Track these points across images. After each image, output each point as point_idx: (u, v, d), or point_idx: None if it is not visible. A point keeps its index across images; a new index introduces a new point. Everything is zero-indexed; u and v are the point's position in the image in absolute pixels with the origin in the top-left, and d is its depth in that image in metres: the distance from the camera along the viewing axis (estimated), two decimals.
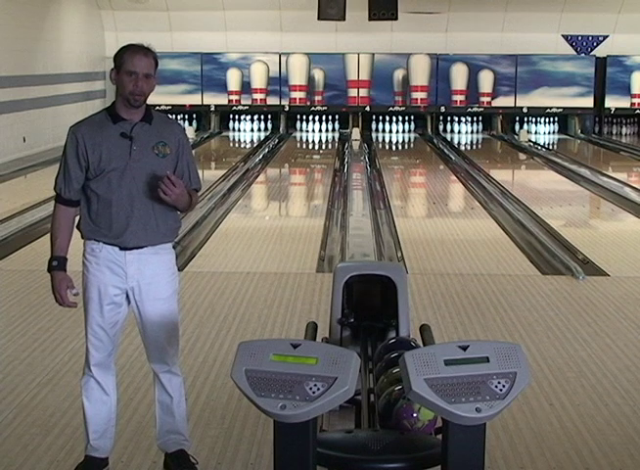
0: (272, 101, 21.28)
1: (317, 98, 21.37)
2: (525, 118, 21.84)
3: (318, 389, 2.76)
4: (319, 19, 16.99)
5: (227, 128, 21.40)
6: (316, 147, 19.94)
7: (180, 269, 6.18)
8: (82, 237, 3.73)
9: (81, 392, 3.81)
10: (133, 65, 3.58)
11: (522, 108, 21.44)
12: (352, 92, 21.33)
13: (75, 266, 3.95)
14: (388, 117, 21.62)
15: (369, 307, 4.54)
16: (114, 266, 3.67)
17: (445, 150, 18.40)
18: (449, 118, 21.76)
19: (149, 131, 3.66)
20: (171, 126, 3.78)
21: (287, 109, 21.37)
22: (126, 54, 3.60)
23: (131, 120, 3.65)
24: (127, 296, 3.73)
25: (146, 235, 3.67)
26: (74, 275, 3.80)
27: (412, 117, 21.70)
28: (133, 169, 3.63)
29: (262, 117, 21.61)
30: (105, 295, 3.69)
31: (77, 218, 3.77)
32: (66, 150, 3.69)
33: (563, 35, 21.34)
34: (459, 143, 20.16)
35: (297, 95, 21.35)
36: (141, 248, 3.67)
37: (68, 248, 3.73)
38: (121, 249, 3.66)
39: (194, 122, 21.35)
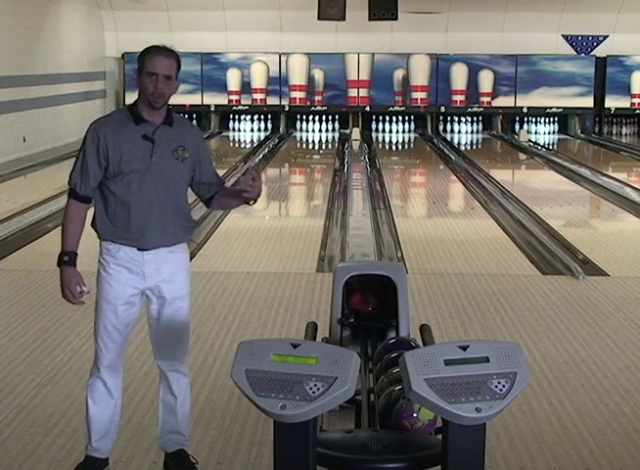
0: (272, 101, 21.28)
1: (317, 98, 21.37)
2: (525, 118, 21.84)
3: (318, 389, 2.76)
4: (319, 19, 17.00)
5: (227, 128, 21.41)
6: (316, 147, 19.94)
7: None
8: (98, 237, 3.72)
9: (86, 392, 3.79)
10: (153, 66, 3.57)
11: (522, 108, 21.44)
12: (352, 92, 21.33)
13: (86, 267, 3.95)
14: (388, 117, 21.62)
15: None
16: (133, 266, 3.67)
17: (445, 150, 18.40)
18: (449, 118, 21.76)
19: (169, 134, 3.66)
20: (190, 130, 3.80)
21: (287, 109, 21.37)
22: (148, 55, 3.60)
23: (153, 123, 3.64)
24: (142, 295, 3.73)
25: (164, 237, 3.67)
26: (84, 275, 3.79)
27: (412, 117, 21.70)
28: (153, 173, 3.62)
29: (262, 117, 21.61)
30: (122, 295, 3.68)
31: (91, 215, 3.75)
32: (85, 146, 3.65)
33: (563, 35, 21.34)
34: (459, 143, 20.16)
35: (297, 95, 21.36)
36: (157, 248, 3.68)
37: (78, 243, 3.72)
38: (139, 249, 3.66)
39: (194, 122, 21.34)
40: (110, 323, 3.71)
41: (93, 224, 3.73)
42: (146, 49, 3.64)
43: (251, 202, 3.75)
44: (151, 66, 3.57)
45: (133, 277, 3.67)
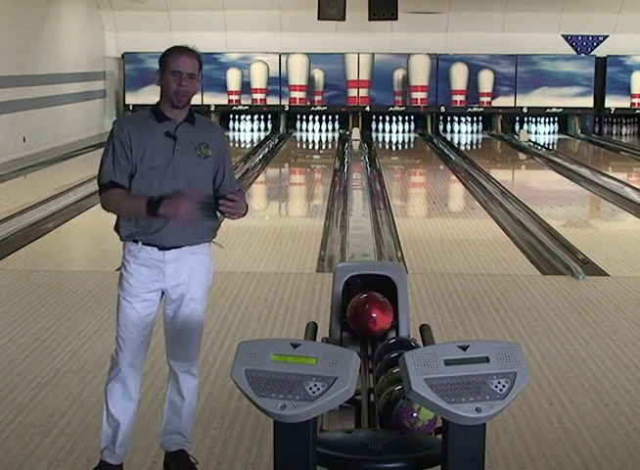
0: (272, 101, 21.29)
1: (317, 98, 21.38)
2: (525, 118, 21.85)
3: (318, 389, 2.76)
4: (319, 19, 17.00)
5: (227, 128, 21.39)
6: (316, 147, 19.94)
7: None
8: (121, 239, 3.74)
9: (105, 397, 3.77)
10: (177, 65, 3.60)
11: (522, 108, 21.44)
12: (352, 92, 21.34)
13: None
14: (388, 117, 21.62)
15: None
16: (153, 266, 3.68)
17: (445, 150, 18.40)
18: (449, 118, 21.77)
19: (192, 132, 3.68)
20: (213, 129, 3.82)
21: (287, 109, 21.38)
22: (171, 55, 3.63)
23: (175, 120, 3.67)
24: (162, 295, 3.74)
25: (184, 235, 3.68)
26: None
27: (412, 117, 21.71)
28: (175, 169, 3.64)
29: (262, 117, 21.62)
30: (142, 292, 3.69)
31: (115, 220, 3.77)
32: (113, 141, 3.65)
33: (563, 35, 21.34)
34: (459, 143, 20.17)
35: (297, 95, 21.36)
36: (179, 247, 3.68)
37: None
38: (160, 249, 3.67)
39: None
40: (130, 321, 3.70)
41: (116, 228, 3.75)
42: (168, 49, 3.67)
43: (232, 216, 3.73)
44: (174, 64, 3.60)
45: (153, 276, 3.68)
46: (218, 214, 3.86)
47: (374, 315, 4.26)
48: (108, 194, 3.66)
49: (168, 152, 3.64)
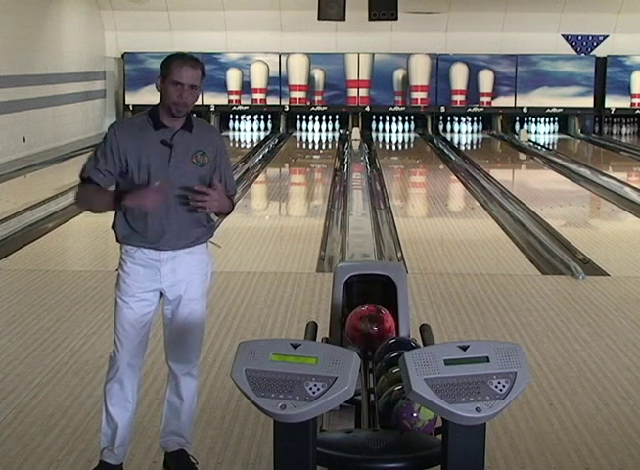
0: (272, 101, 21.30)
1: (317, 98, 21.38)
2: (525, 118, 21.86)
3: (318, 389, 2.76)
4: (319, 19, 17.00)
5: (227, 128, 21.41)
6: (316, 147, 19.95)
7: None
8: (117, 240, 3.74)
9: (104, 397, 3.77)
10: (180, 76, 3.57)
11: (522, 108, 21.45)
12: (352, 92, 21.34)
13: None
14: (388, 117, 21.63)
15: None
16: (150, 266, 3.67)
17: (445, 150, 18.41)
18: (449, 118, 21.78)
19: (189, 140, 3.66)
20: (210, 134, 3.78)
21: (287, 109, 21.39)
22: (173, 64, 3.59)
23: (172, 128, 3.65)
24: (160, 295, 3.74)
25: (179, 241, 3.68)
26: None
27: (412, 117, 21.72)
28: (171, 177, 3.62)
29: (262, 116, 21.63)
30: (138, 292, 3.68)
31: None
32: (104, 144, 3.64)
33: (563, 35, 21.34)
34: (459, 143, 20.17)
35: (297, 95, 21.37)
36: (175, 249, 3.69)
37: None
38: (156, 249, 3.67)
39: None
40: (126, 321, 3.70)
41: (113, 227, 3.75)
42: (172, 57, 3.64)
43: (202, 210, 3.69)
44: (177, 75, 3.57)
45: (150, 276, 3.68)
46: (215, 218, 3.85)
47: (372, 334, 4.20)
48: (83, 188, 3.69)
49: (164, 160, 3.62)
